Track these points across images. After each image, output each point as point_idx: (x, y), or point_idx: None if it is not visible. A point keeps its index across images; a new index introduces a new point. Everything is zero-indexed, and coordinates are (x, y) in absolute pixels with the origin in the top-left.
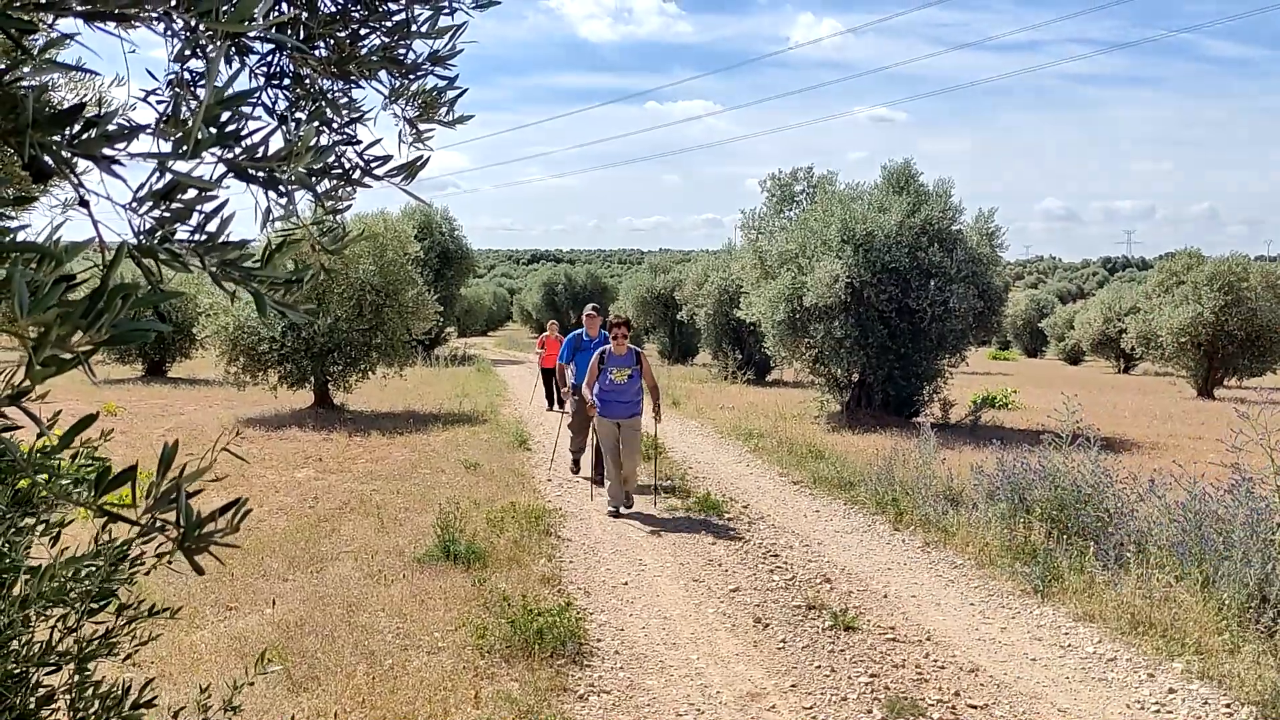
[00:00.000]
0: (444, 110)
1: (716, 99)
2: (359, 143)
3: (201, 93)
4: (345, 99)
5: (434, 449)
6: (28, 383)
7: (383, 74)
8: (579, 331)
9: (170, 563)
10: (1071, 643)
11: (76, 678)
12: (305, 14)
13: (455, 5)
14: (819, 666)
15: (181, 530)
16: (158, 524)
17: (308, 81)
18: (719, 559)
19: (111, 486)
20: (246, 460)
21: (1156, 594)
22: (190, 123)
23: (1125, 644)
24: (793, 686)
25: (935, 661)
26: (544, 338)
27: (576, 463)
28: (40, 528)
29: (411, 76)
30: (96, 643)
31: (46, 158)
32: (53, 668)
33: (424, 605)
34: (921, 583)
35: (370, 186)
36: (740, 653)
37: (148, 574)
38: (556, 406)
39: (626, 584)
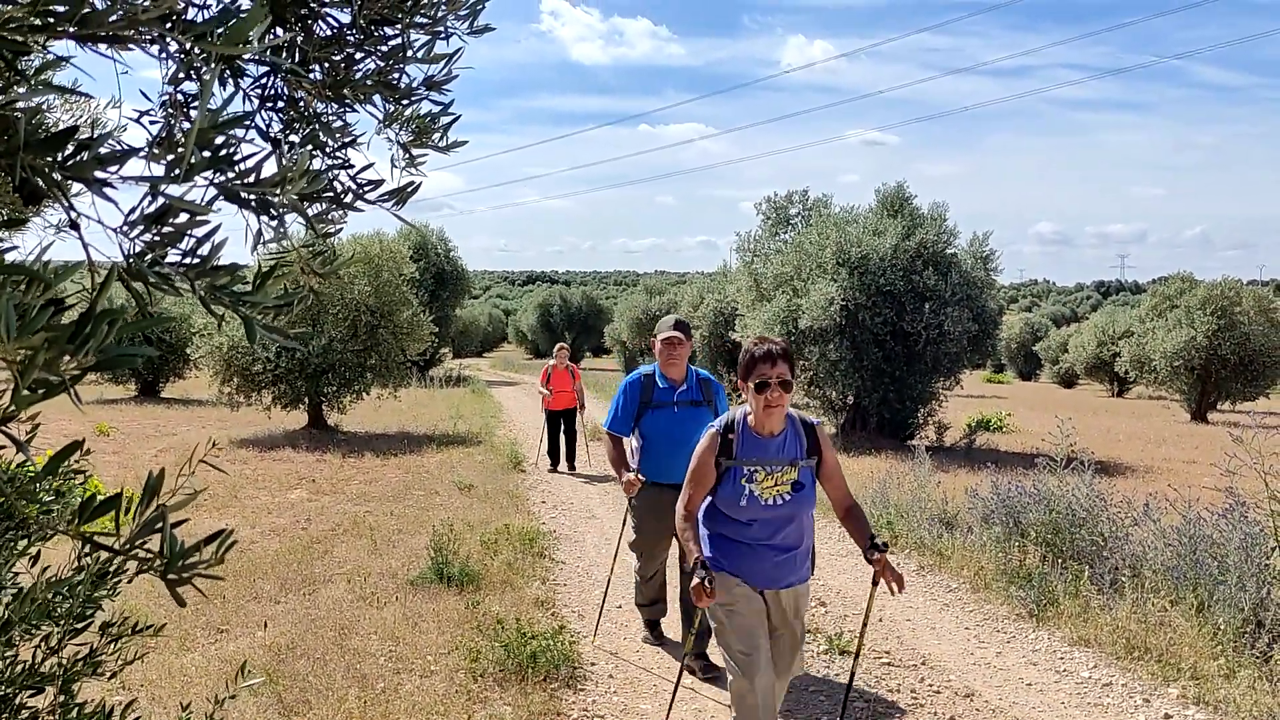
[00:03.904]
0: (437, 135)
1: (709, 122)
2: (352, 166)
3: (195, 115)
4: (339, 123)
5: (428, 470)
6: (13, 408)
7: (377, 98)
8: (647, 371)
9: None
10: (1067, 667)
11: (61, 699)
12: (301, 37)
13: (450, 31)
14: (814, 691)
15: (165, 561)
16: (140, 553)
17: (302, 104)
18: None
19: (95, 514)
20: (225, 471)
21: (1152, 618)
22: (183, 146)
23: (1121, 669)
24: (787, 711)
25: (931, 686)
26: (550, 368)
27: (655, 625)
28: (22, 543)
29: (406, 101)
30: (81, 663)
31: (38, 180)
32: (36, 689)
33: (417, 628)
34: (917, 606)
35: (362, 210)
36: None
37: (130, 582)
38: (565, 466)
39: (620, 607)
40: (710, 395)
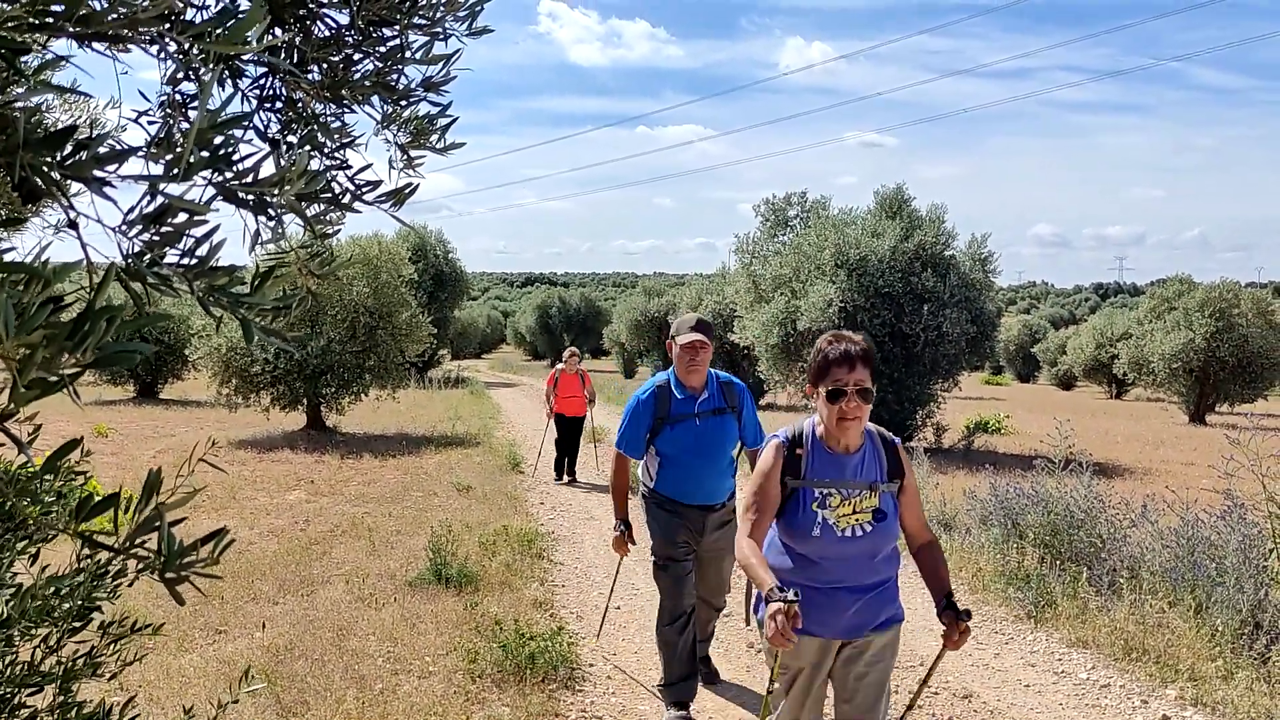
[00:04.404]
0: (435, 137)
1: (708, 123)
2: (350, 167)
3: (194, 114)
4: (337, 123)
5: (426, 471)
6: (12, 405)
7: (375, 99)
8: (661, 381)
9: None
10: (1065, 669)
11: (60, 698)
12: (299, 38)
13: (449, 32)
14: None
15: (162, 560)
16: (139, 552)
17: (300, 105)
18: None
19: (93, 513)
20: (225, 471)
21: (1150, 620)
22: (182, 146)
23: (1119, 670)
24: None
25: (929, 687)
26: (558, 371)
27: (684, 708)
28: (22, 543)
29: (404, 103)
30: (80, 662)
31: (37, 179)
32: (36, 689)
33: (415, 629)
34: (914, 608)
35: (360, 211)
36: (733, 678)
37: (131, 585)
38: (568, 477)
39: (619, 608)
40: (735, 401)
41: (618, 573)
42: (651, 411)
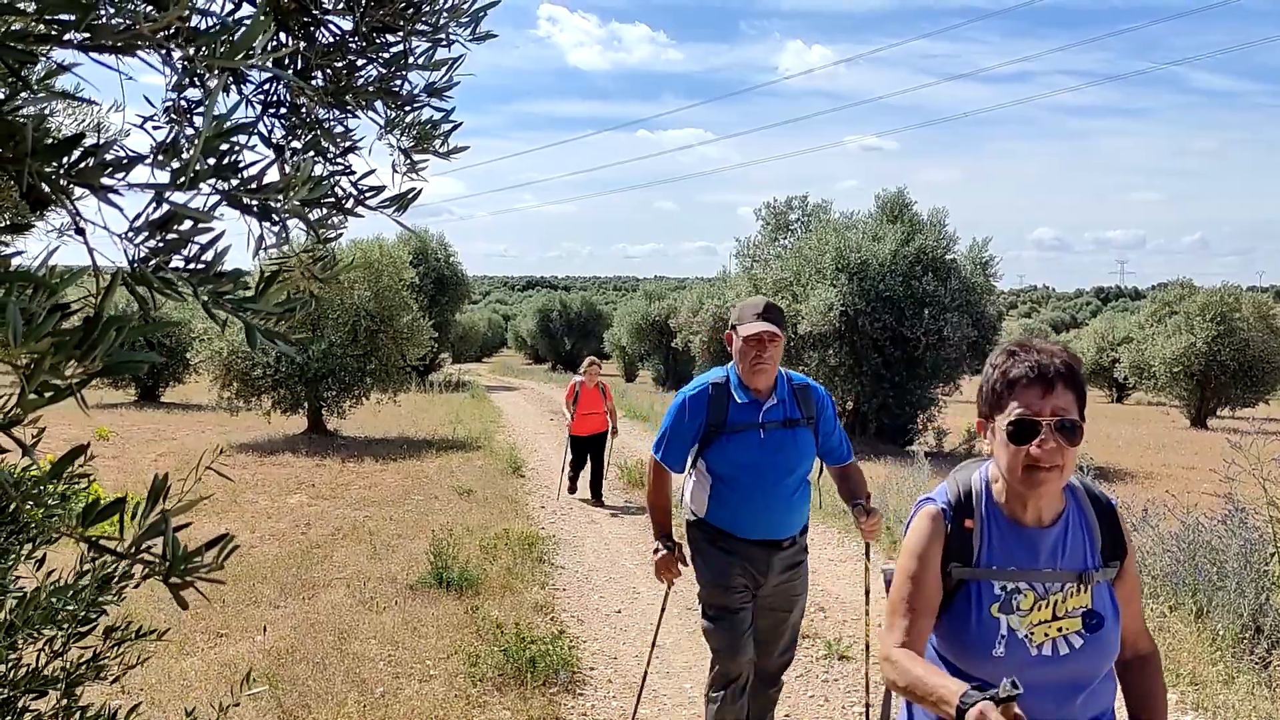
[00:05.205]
0: (439, 141)
1: (708, 127)
2: (353, 172)
3: (199, 121)
4: (341, 129)
5: (427, 475)
6: (18, 411)
7: (379, 105)
8: (718, 379)
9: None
10: None
11: (64, 702)
12: (303, 44)
13: (453, 38)
14: (813, 696)
15: (167, 564)
16: (145, 556)
17: (304, 111)
18: None
19: (99, 518)
20: (232, 479)
21: (1150, 624)
22: (189, 154)
23: None
24: (786, 716)
25: None
26: (577, 383)
27: None
28: (27, 547)
29: (407, 108)
30: (84, 667)
31: (45, 186)
32: (39, 693)
33: (416, 633)
34: None
35: (362, 216)
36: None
37: (136, 587)
38: (589, 496)
39: (620, 612)
40: (812, 410)
41: (660, 620)
42: (703, 414)
